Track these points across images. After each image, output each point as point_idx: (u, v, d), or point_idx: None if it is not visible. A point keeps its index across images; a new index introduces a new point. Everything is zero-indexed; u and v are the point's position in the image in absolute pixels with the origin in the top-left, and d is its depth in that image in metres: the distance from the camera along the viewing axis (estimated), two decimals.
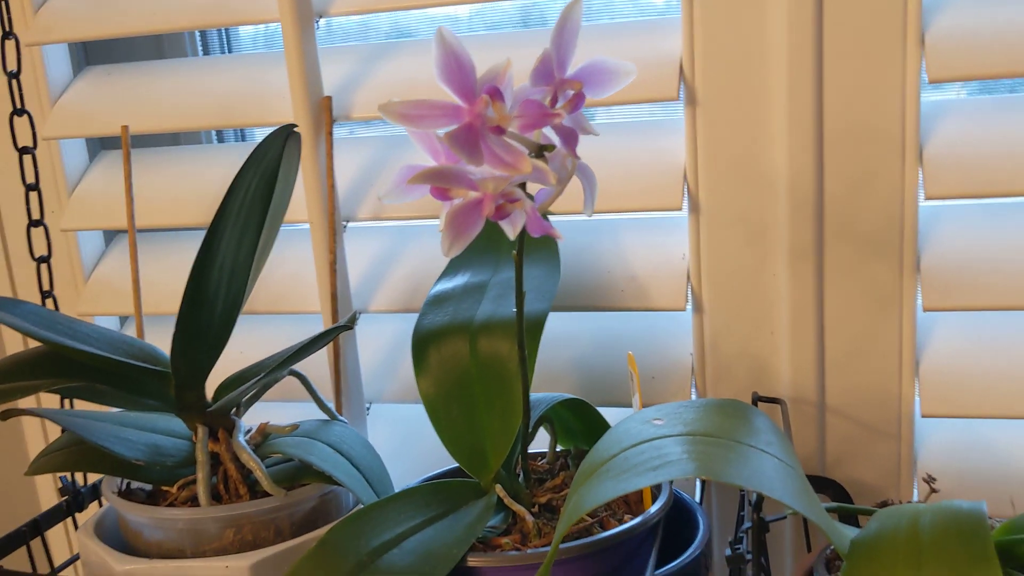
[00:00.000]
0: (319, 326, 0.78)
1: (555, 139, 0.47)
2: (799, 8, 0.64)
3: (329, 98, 0.72)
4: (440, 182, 0.44)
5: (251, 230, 0.59)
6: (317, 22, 0.72)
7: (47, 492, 0.88)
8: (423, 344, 0.62)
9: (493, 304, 0.63)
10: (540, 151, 0.46)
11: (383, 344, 0.80)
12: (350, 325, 0.59)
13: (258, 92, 0.75)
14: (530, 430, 0.61)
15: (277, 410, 0.78)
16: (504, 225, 0.47)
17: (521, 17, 0.87)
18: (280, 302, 0.78)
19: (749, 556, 0.52)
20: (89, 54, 0.89)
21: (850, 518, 0.62)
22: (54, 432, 0.87)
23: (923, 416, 0.67)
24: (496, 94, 0.44)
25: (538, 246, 0.67)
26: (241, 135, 0.94)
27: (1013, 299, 0.64)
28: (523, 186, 0.46)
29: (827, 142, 0.66)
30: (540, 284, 0.63)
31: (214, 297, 0.59)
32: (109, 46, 0.89)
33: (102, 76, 0.83)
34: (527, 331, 0.58)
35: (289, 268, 0.78)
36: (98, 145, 0.88)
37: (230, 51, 0.93)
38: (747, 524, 0.54)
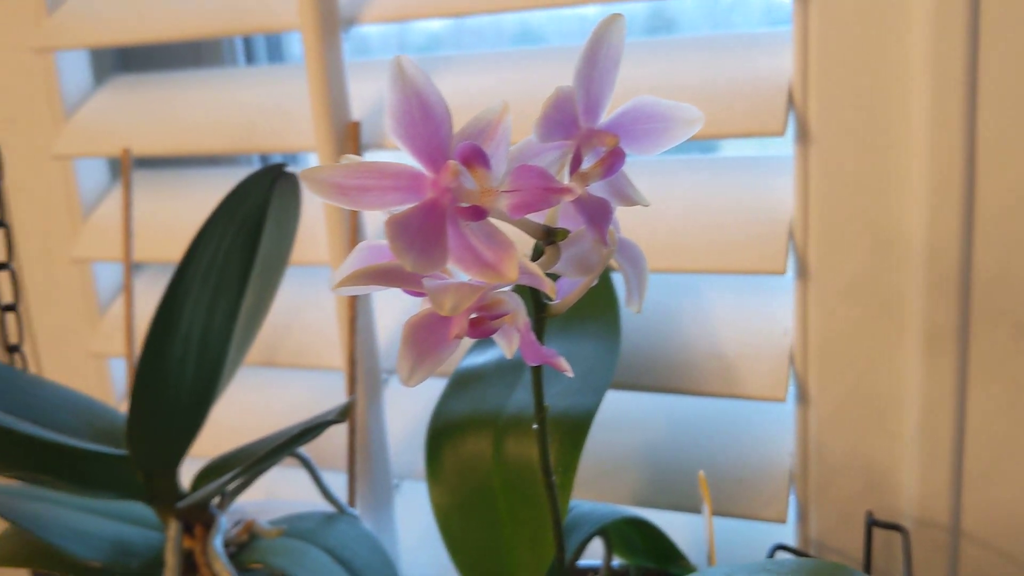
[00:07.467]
0: (341, 383, 0.67)
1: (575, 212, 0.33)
2: (948, 21, 0.48)
3: (357, 124, 0.60)
4: (383, 282, 0.30)
5: (229, 289, 0.48)
6: (345, 31, 0.60)
7: None
8: (438, 440, 0.50)
9: (530, 391, 0.50)
10: (548, 237, 0.32)
11: (419, 410, 0.67)
12: (340, 419, 0.47)
13: (283, 112, 0.64)
14: (566, 560, 0.47)
15: (286, 480, 0.68)
16: (498, 339, 0.33)
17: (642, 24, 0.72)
18: (302, 355, 0.66)
19: None
20: (127, 61, 0.80)
21: None
22: None
23: None
24: (476, 157, 0.29)
25: (595, 306, 0.54)
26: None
27: None
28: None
29: (979, 199, 0.50)
30: (590, 368, 0.49)
31: (179, 372, 0.48)
32: (149, 52, 0.79)
33: (125, 88, 0.73)
34: (566, 434, 0.46)
35: (313, 317, 0.67)
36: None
37: (277, 60, 0.82)
38: None
